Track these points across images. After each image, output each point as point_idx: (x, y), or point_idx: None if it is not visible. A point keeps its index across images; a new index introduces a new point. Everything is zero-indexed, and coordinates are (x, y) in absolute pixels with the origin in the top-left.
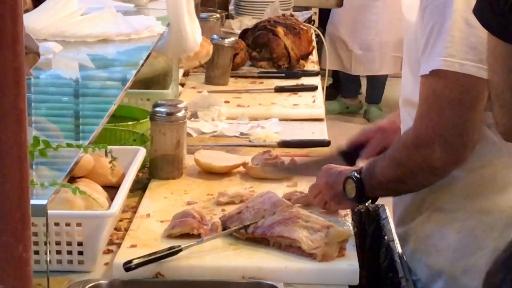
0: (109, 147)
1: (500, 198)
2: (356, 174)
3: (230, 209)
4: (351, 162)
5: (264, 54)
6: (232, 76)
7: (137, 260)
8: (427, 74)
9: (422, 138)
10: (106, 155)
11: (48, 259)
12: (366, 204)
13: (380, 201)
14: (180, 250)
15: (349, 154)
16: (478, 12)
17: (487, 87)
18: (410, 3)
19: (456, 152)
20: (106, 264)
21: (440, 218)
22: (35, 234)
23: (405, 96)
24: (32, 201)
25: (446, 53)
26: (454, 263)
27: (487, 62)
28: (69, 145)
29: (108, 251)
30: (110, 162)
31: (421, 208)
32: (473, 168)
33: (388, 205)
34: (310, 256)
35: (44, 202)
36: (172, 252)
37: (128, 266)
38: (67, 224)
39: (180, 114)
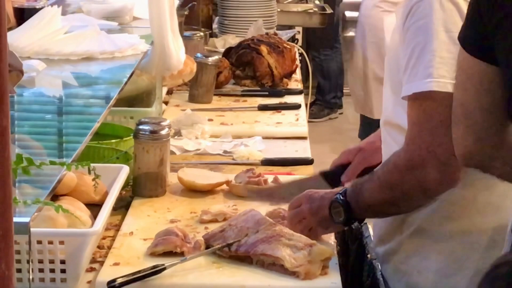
0: (92, 164)
1: (481, 219)
2: (341, 197)
3: (213, 227)
4: (334, 184)
5: (248, 72)
6: (215, 94)
7: (121, 279)
8: (416, 95)
9: (415, 160)
10: (89, 172)
11: (30, 277)
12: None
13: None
14: (164, 269)
15: (331, 176)
16: (461, 32)
17: None
18: (393, 26)
19: (450, 172)
20: (89, 282)
21: (421, 239)
22: (18, 252)
23: (386, 117)
24: (15, 219)
25: (437, 74)
26: (435, 285)
27: (456, 79)
28: (52, 163)
29: (91, 269)
30: (93, 179)
31: (402, 227)
32: (453, 191)
33: (370, 223)
34: (293, 274)
35: (27, 219)
36: (156, 270)
37: (112, 285)
38: (50, 242)
39: (163, 132)
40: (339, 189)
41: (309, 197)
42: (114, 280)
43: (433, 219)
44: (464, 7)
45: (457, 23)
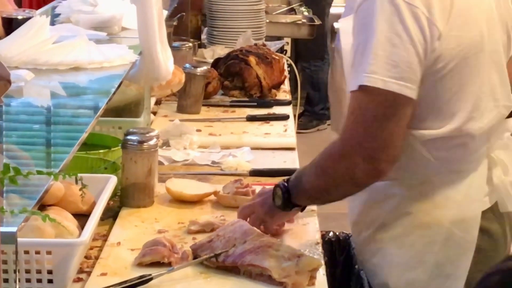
0: (80, 174)
1: (439, 213)
2: (284, 182)
3: (201, 237)
4: None
5: (236, 83)
6: (204, 105)
7: None
8: (354, 89)
9: (346, 150)
10: (76, 182)
11: (17, 287)
12: (297, 209)
13: (345, 228)
14: (151, 279)
15: None
16: None
17: (409, 104)
18: (346, 30)
19: (378, 165)
20: None
21: (384, 235)
22: (5, 262)
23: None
24: (2, 229)
25: (370, 70)
26: (398, 278)
27: None
28: (39, 173)
29: (78, 280)
30: (81, 189)
31: (368, 224)
32: (413, 185)
33: None
34: (281, 284)
35: (13, 229)
36: (143, 281)
37: None
38: (37, 252)
39: (151, 143)
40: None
41: (260, 192)
42: None
43: (393, 215)
44: (404, 9)
45: (395, 24)
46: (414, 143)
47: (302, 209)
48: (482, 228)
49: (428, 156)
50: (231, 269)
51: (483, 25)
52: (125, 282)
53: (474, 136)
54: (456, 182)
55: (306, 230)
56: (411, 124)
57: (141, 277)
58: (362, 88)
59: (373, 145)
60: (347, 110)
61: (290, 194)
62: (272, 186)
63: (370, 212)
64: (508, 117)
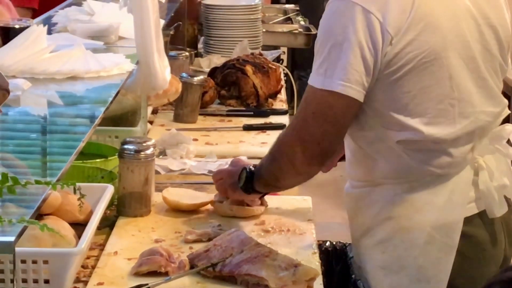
0: (77, 184)
1: (420, 217)
2: (251, 167)
3: (198, 247)
4: None
5: (233, 92)
6: (200, 114)
7: None
8: (308, 84)
9: (288, 138)
10: (74, 192)
11: None
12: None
13: (347, 240)
14: None
15: None
16: None
17: (352, 106)
18: None
19: (313, 158)
20: None
21: (368, 240)
22: (2, 271)
23: None
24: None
25: (320, 72)
26: (382, 283)
27: None
28: (37, 182)
29: None
30: (79, 199)
31: (356, 230)
32: (395, 190)
33: None
34: None
35: (11, 239)
36: None
37: None
38: (34, 262)
39: (148, 152)
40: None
41: (236, 162)
42: None
43: (377, 220)
44: (359, 15)
45: (347, 28)
46: (392, 144)
47: (262, 196)
48: (468, 234)
49: (406, 158)
50: (228, 278)
51: (450, 32)
52: None
53: (444, 141)
54: (438, 187)
55: (302, 240)
56: (384, 123)
57: (138, 286)
58: (310, 87)
59: (309, 139)
60: None
61: (252, 180)
62: (244, 161)
63: (356, 218)
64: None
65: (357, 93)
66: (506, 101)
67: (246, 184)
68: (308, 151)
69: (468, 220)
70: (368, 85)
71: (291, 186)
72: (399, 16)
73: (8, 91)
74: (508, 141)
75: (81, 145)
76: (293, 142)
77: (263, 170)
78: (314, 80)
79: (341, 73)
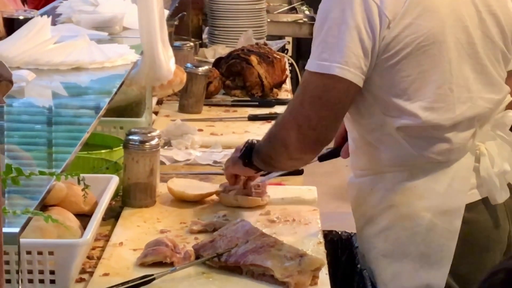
0: (82, 175)
1: (421, 204)
2: (254, 141)
3: (203, 237)
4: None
5: (238, 82)
6: (205, 105)
7: None
8: (306, 69)
9: (284, 121)
10: (78, 183)
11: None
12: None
13: (352, 229)
14: (153, 279)
15: (330, 156)
16: None
17: (350, 89)
18: None
19: (307, 143)
20: None
21: (371, 228)
22: (7, 263)
23: None
24: (4, 229)
25: (318, 56)
26: (385, 270)
27: None
28: (41, 173)
29: (81, 280)
30: (83, 190)
31: (359, 219)
32: (396, 178)
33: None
34: (283, 284)
35: (16, 230)
36: (145, 281)
37: None
38: (39, 253)
39: (153, 142)
40: None
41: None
42: None
43: (379, 209)
44: None
45: (345, 12)
46: (392, 131)
47: (257, 171)
48: (471, 220)
49: (406, 145)
50: (234, 269)
51: (448, 17)
52: (127, 282)
53: (443, 127)
54: (438, 174)
55: (308, 230)
56: (384, 110)
57: (143, 277)
58: (308, 71)
59: (306, 124)
60: None
61: (251, 152)
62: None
63: (359, 207)
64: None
65: (355, 77)
66: (508, 88)
67: (245, 155)
68: (303, 136)
69: (471, 207)
70: (367, 69)
71: (286, 169)
72: (396, 0)
73: (11, 82)
74: (511, 128)
75: (86, 136)
76: (288, 127)
77: (261, 147)
78: (311, 64)
79: (338, 56)
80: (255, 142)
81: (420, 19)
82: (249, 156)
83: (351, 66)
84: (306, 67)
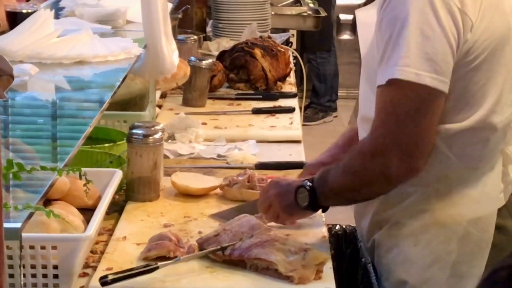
0: (84, 169)
1: (455, 211)
2: (308, 183)
3: (207, 232)
4: None
5: (242, 75)
6: (209, 98)
7: (112, 275)
8: (384, 84)
9: (379, 147)
10: (80, 178)
11: (22, 282)
12: (320, 212)
13: (351, 221)
14: (157, 268)
15: None
16: None
17: (441, 98)
18: (364, 20)
19: (412, 162)
20: (82, 287)
21: (398, 233)
22: (10, 257)
23: (364, 114)
24: (6, 224)
25: (402, 63)
26: (413, 276)
27: None
28: (43, 168)
29: (84, 274)
30: (85, 185)
31: (381, 223)
32: (429, 183)
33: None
34: (287, 278)
35: (18, 225)
36: (149, 269)
37: (104, 281)
38: (42, 247)
39: (156, 136)
40: (306, 177)
41: (276, 183)
42: (105, 277)
43: (409, 213)
44: (437, 1)
45: (428, 16)
46: (436, 140)
47: (324, 210)
48: (498, 225)
49: (447, 153)
50: (238, 263)
51: (511, 17)
52: (131, 269)
53: (496, 130)
54: (472, 179)
55: (312, 224)
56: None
57: (147, 265)
58: (394, 82)
59: (407, 141)
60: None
61: (316, 195)
62: (281, 178)
63: (386, 211)
64: None
65: (445, 86)
66: None
67: (311, 203)
68: (407, 157)
69: (498, 211)
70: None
71: (375, 197)
72: (473, 1)
73: (12, 77)
74: None
75: (89, 129)
76: (387, 152)
77: (334, 184)
78: (396, 72)
79: (427, 64)
80: (312, 185)
81: (493, 21)
82: (315, 202)
83: (441, 74)
84: (382, 81)
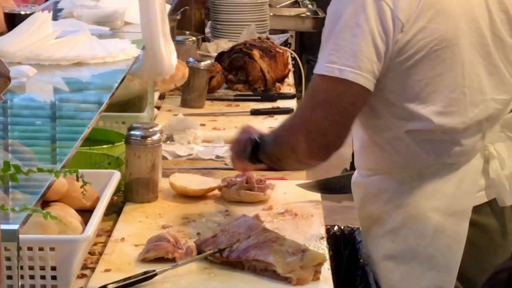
0: (82, 170)
1: (429, 206)
2: (257, 138)
3: (205, 233)
4: None
5: (240, 77)
6: (208, 99)
7: (112, 285)
8: (316, 73)
9: (293, 126)
10: (77, 179)
11: (19, 284)
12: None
13: (355, 223)
14: (155, 275)
15: None
16: None
17: (362, 94)
18: None
19: (316, 149)
20: None
21: (377, 230)
22: (8, 259)
23: None
24: (4, 226)
25: (329, 60)
26: (393, 272)
27: None
28: (40, 170)
29: (82, 276)
30: (81, 187)
31: (365, 220)
32: (404, 179)
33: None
34: (285, 279)
35: (15, 227)
36: (147, 276)
37: None
38: (41, 249)
39: (155, 138)
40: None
41: (247, 129)
42: (104, 286)
43: (387, 209)
44: (370, 1)
45: (358, 15)
46: (401, 134)
47: (268, 167)
48: (478, 223)
49: (415, 148)
50: (236, 264)
51: (461, 19)
52: (129, 278)
53: (455, 130)
54: (447, 175)
55: (310, 224)
56: (394, 113)
57: (145, 273)
58: (320, 75)
59: (315, 129)
60: None
61: (258, 151)
62: (254, 128)
63: (367, 206)
64: None
65: (368, 82)
66: None
67: (251, 156)
68: (312, 142)
69: (477, 209)
70: (379, 73)
71: (294, 170)
72: (409, 2)
73: (9, 79)
74: None
75: (87, 131)
76: (298, 132)
77: (267, 148)
78: (321, 67)
79: (351, 60)
80: (258, 140)
81: (434, 22)
82: (256, 155)
83: (364, 71)
84: (315, 71)
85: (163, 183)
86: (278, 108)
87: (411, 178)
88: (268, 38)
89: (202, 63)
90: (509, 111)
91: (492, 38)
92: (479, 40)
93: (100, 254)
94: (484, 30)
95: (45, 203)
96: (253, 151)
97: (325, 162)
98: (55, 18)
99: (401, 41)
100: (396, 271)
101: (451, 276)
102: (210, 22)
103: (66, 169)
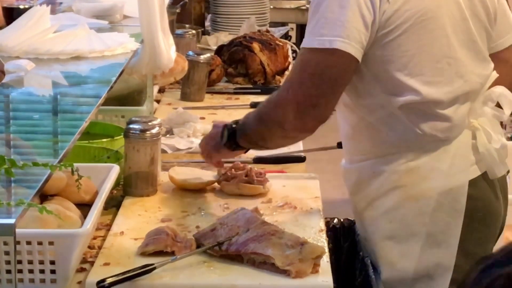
0: (82, 164)
1: (425, 185)
2: (232, 124)
3: (205, 226)
4: None
5: (240, 70)
6: (207, 92)
7: (110, 279)
8: (304, 47)
9: (281, 100)
10: (72, 173)
11: (15, 277)
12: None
13: (350, 215)
14: (154, 268)
15: None
16: None
17: (350, 63)
18: None
19: (305, 121)
20: (79, 282)
21: (374, 211)
22: (7, 253)
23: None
24: (1, 220)
25: (319, 33)
26: (391, 252)
27: None
28: (35, 164)
29: (81, 270)
30: (77, 180)
31: (359, 203)
32: (399, 160)
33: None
34: (284, 272)
35: (12, 221)
36: (146, 270)
37: (101, 285)
38: (39, 243)
39: (154, 131)
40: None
41: (215, 125)
42: (103, 280)
43: (383, 190)
44: None
45: None
46: (394, 110)
47: (246, 151)
48: (474, 196)
49: (409, 124)
50: (234, 257)
51: None
52: (129, 271)
53: (443, 102)
54: (440, 153)
55: (310, 217)
56: (384, 88)
57: (144, 266)
58: (308, 48)
59: (304, 101)
60: None
61: (236, 136)
62: (223, 122)
63: (359, 191)
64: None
65: (357, 51)
66: (493, 65)
67: (230, 141)
68: (302, 114)
69: (473, 183)
70: (366, 43)
71: (277, 148)
72: None
73: (3, 73)
74: (497, 104)
75: (85, 125)
76: (286, 105)
77: (248, 128)
78: (310, 40)
79: (339, 30)
80: (234, 125)
81: None
82: (234, 140)
83: (353, 40)
84: (303, 45)
85: (163, 177)
86: None
87: (407, 159)
88: (268, 31)
89: (202, 57)
90: (487, 86)
91: (470, 15)
92: (459, 15)
93: (99, 248)
94: (463, 5)
95: (44, 197)
96: (232, 137)
97: (312, 134)
98: (53, 12)
99: (388, 12)
100: (394, 250)
101: (450, 252)
102: (210, 15)
103: (61, 163)
